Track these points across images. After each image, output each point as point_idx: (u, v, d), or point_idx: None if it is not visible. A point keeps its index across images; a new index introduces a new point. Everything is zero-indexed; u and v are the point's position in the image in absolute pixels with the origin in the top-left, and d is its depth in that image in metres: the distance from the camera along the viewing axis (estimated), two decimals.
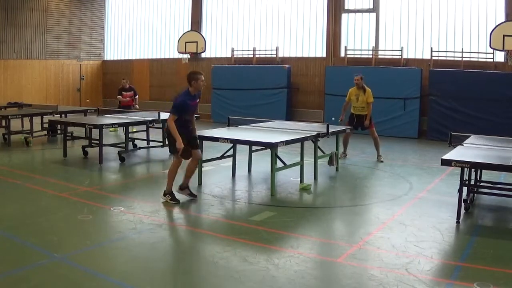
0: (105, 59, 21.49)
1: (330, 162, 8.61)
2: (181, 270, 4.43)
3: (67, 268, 4.29)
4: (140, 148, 10.62)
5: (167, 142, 6.93)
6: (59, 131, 12.14)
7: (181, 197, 6.62)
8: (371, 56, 15.23)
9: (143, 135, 11.11)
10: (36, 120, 11.92)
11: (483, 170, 7.16)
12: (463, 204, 5.95)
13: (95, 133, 9.68)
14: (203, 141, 7.73)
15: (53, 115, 11.89)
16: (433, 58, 14.16)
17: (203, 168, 7.68)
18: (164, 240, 5.01)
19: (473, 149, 6.55)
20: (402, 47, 14.83)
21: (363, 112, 9.80)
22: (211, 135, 7.88)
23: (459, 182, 5.82)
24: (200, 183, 7.54)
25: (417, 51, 14.88)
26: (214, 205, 6.49)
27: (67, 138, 10.25)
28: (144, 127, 11.04)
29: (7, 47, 18.11)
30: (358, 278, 4.24)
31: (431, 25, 14.66)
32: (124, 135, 9.78)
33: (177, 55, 18.75)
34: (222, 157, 8.24)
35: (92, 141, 9.82)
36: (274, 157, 7.11)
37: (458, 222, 5.75)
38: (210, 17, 18.63)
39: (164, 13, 19.84)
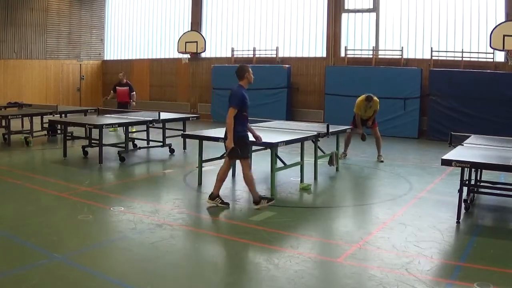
0: (105, 59, 21.49)
1: (330, 162, 8.61)
2: (181, 270, 4.42)
3: (67, 268, 4.29)
4: (140, 148, 10.62)
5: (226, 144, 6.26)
6: (59, 131, 12.14)
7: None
8: (371, 56, 15.23)
9: (143, 135, 11.11)
10: (36, 120, 11.92)
11: (483, 170, 7.16)
12: (463, 204, 5.95)
13: (95, 133, 9.68)
14: (203, 141, 7.74)
15: (53, 115, 11.89)
16: (433, 58, 14.16)
17: (203, 168, 7.67)
18: (164, 240, 5.01)
19: (473, 149, 6.56)
20: (402, 47, 14.83)
21: (368, 118, 10.05)
22: (211, 135, 7.88)
23: (459, 182, 5.82)
24: (200, 183, 7.54)
25: (417, 51, 14.88)
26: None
27: (67, 138, 10.25)
28: (144, 127, 11.03)
29: (7, 47, 18.11)
30: (358, 278, 4.24)
31: (431, 25, 14.66)
32: (122, 135, 9.78)
33: (177, 55, 18.75)
34: (222, 157, 8.22)
35: (92, 141, 9.82)
36: (274, 157, 7.11)
37: (458, 222, 5.75)
38: (210, 17, 18.63)
39: (164, 13, 19.84)
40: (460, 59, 13.85)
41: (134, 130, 11.83)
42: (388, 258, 4.63)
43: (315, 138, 7.92)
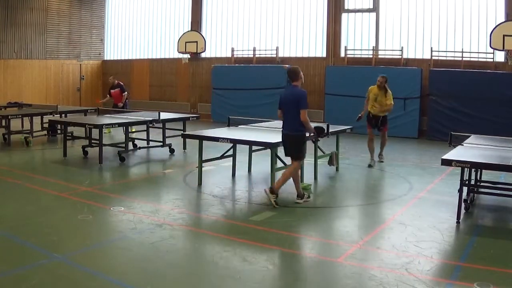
0: (105, 59, 21.49)
1: (330, 162, 8.61)
2: (181, 270, 4.42)
3: (67, 268, 4.29)
4: (140, 148, 10.62)
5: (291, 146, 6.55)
6: (59, 131, 12.14)
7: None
8: (371, 56, 15.23)
9: (143, 135, 11.11)
10: (36, 120, 11.92)
11: (483, 170, 7.16)
12: (463, 204, 5.95)
13: (95, 133, 9.68)
14: (203, 141, 7.74)
15: (53, 115, 11.89)
16: (433, 58, 14.16)
17: (203, 168, 7.68)
18: (164, 240, 5.01)
19: (473, 149, 6.55)
20: (402, 47, 14.83)
21: (381, 113, 9.39)
22: (211, 135, 7.88)
23: (459, 182, 5.83)
24: (200, 183, 7.54)
25: (417, 51, 14.88)
26: (214, 205, 6.49)
27: (67, 138, 10.25)
28: (144, 127, 11.03)
29: (7, 47, 18.11)
30: (358, 278, 4.24)
31: (431, 25, 14.66)
32: (121, 136, 9.78)
33: (177, 55, 18.76)
34: (222, 157, 8.24)
35: (92, 141, 9.82)
36: (274, 157, 7.11)
37: (458, 222, 5.75)
38: (210, 17, 18.63)
39: (164, 13, 19.84)
40: (460, 59, 13.85)
41: (133, 130, 11.83)
42: (388, 258, 4.63)
43: (315, 138, 7.90)
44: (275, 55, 16.89)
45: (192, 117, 11.34)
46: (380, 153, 9.81)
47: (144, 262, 4.46)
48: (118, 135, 12.34)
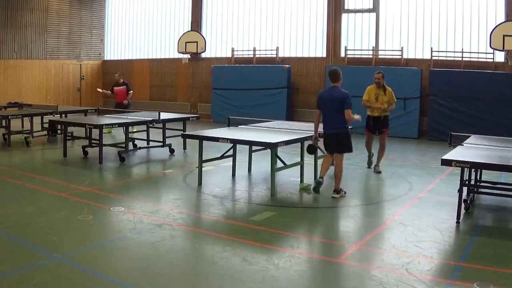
0: (105, 59, 21.49)
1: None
2: (181, 270, 4.43)
3: (67, 268, 4.29)
4: (140, 148, 10.62)
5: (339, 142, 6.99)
6: (59, 131, 12.14)
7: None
8: (371, 56, 15.23)
9: (143, 135, 11.11)
10: (36, 120, 11.92)
11: (483, 170, 7.16)
12: (463, 204, 5.95)
13: (95, 133, 9.68)
14: (203, 141, 7.74)
15: (53, 115, 11.89)
16: (433, 58, 14.16)
17: (203, 168, 7.68)
18: (164, 240, 5.01)
19: (473, 149, 6.55)
20: (402, 47, 14.83)
21: (382, 113, 8.73)
22: (211, 135, 7.88)
23: (459, 182, 5.83)
24: (200, 183, 7.54)
25: (417, 51, 14.88)
26: (214, 205, 6.49)
27: (67, 138, 10.25)
28: (144, 127, 11.04)
29: (7, 47, 18.11)
30: (358, 278, 4.24)
31: (431, 25, 14.66)
32: (121, 136, 9.78)
33: (177, 55, 18.76)
34: (222, 157, 8.24)
35: (92, 141, 9.82)
36: (274, 157, 7.11)
37: (458, 222, 5.75)
38: (210, 17, 18.63)
39: (164, 13, 19.84)
40: (460, 59, 13.85)
41: (135, 130, 11.82)
42: (388, 258, 4.63)
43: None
44: (275, 55, 16.89)
45: (192, 117, 11.34)
46: (377, 163, 8.87)
47: (144, 262, 4.46)
48: (118, 135, 12.35)
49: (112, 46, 21.49)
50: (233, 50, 17.70)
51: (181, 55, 18.47)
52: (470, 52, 13.91)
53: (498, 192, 6.59)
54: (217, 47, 18.50)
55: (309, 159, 7.95)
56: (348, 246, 5.01)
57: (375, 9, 15.42)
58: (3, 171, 8.29)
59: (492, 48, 13.16)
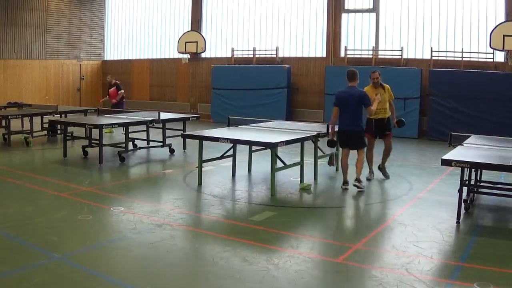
0: (105, 59, 21.49)
1: (330, 162, 8.61)
2: (181, 270, 4.43)
3: (67, 268, 4.29)
4: (140, 148, 10.62)
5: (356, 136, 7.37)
6: (59, 131, 12.14)
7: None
8: (371, 56, 15.23)
9: (143, 135, 11.11)
10: (36, 120, 11.92)
11: (483, 170, 7.16)
12: (463, 204, 5.95)
13: (95, 133, 9.68)
14: (203, 141, 7.74)
15: (53, 115, 11.89)
16: (433, 58, 14.16)
17: (203, 168, 7.68)
18: (164, 240, 5.01)
19: (473, 149, 6.55)
20: (402, 47, 14.83)
21: (385, 115, 8.04)
22: (211, 135, 7.88)
23: (459, 182, 5.82)
24: (200, 183, 7.54)
25: (417, 51, 14.88)
26: (214, 205, 6.49)
27: (67, 138, 10.25)
28: (144, 127, 11.04)
29: (7, 47, 18.11)
30: (358, 278, 4.24)
31: (431, 25, 14.66)
32: (122, 136, 9.78)
33: (177, 55, 18.75)
34: (222, 157, 8.24)
35: (92, 141, 9.82)
36: (274, 157, 7.11)
37: (458, 222, 5.75)
38: (210, 17, 18.63)
39: (164, 13, 19.84)
40: (460, 59, 13.85)
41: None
42: (388, 258, 4.63)
43: (315, 138, 7.91)
44: (275, 55, 16.89)
45: (192, 117, 11.34)
46: (382, 165, 8.22)
47: (144, 262, 4.46)
48: (118, 135, 12.35)
49: (112, 46, 21.49)
50: (233, 50, 17.70)
51: (181, 55, 18.47)
52: (470, 52, 13.91)
53: (498, 192, 6.59)
54: (217, 47, 18.50)
55: (309, 159, 7.95)
56: (348, 246, 5.01)
57: (375, 9, 15.42)
58: (3, 171, 8.29)
59: (492, 48, 13.16)
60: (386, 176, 8.18)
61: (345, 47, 15.69)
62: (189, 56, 18.30)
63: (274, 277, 4.13)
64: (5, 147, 10.83)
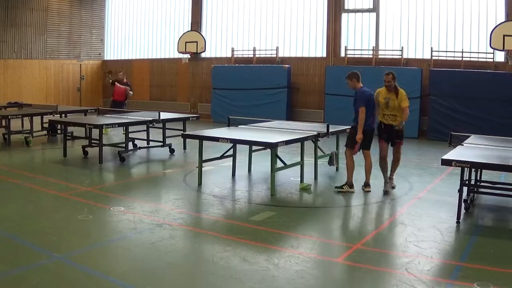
0: (105, 59, 21.49)
1: (330, 162, 8.61)
2: (181, 270, 4.43)
3: (67, 268, 4.29)
4: (140, 148, 10.62)
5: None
6: (59, 131, 12.14)
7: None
8: (371, 56, 15.23)
9: (143, 135, 11.12)
10: (36, 120, 11.92)
11: (483, 170, 7.16)
12: (463, 204, 5.95)
13: (95, 133, 9.68)
14: (203, 141, 7.74)
15: (53, 115, 11.89)
16: (433, 58, 14.16)
17: (203, 168, 7.68)
18: (164, 240, 5.01)
19: (473, 149, 6.56)
20: (402, 47, 14.83)
21: (394, 121, 7.28)
22: (211, 135, 7.88)
23: (459, 182, 5.83)
24: (200, 183, 7.54)
25: (417, 51, 14.88)
26: (214, 205, 6.49)
27: (67, 138, 10.25)
28: (144, 127, 11.04)
29: (7, 47, 18.11)
30: (358, 278, 4.24)
31: (431, 25, 14.66)
32: (121, 135, 9.78)
33: (177, 55, 18.76)
34: (222, 157, 8.24)
35: (92, 141, 9.82)
36: (274, 157, 7.11)
37: (458, 222, 5.75)
38: (210, 17, 18.64)
39: (164, 13, 19.84)
40: (460, 59, 13.85)
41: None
42: (388, 258, 4.63)
43: (315, 138, 7.92)
44: (275, 55, 16.89)
45: (192, 117, 11.34)
46: (391, 175, 7.54)
47: (144, 262, 4.46)
48: (119, 134, 12.34)
49: (112, 46, 21.49)
50: (233, 50, 17.70)
51: (181, 55, 18.48)
52: (470, 52, 13.92)
53: (498, 192, 6.59)
54: (217, 47, 18.50)
55: (309, 159, 7.95)
56: (348, 246, 5.01)
57: (375, 9, 15.42)
58: (3, 171, 8.29)
59: (492, 48, 13.16)
60: (393, 185, 7.51)
61: (345, 47, 15.69)
62: (189, 56, 18.31)
63: (274, 277, 4.13)
64: (5, 147, 10.83)
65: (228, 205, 6.67)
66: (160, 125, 10.41)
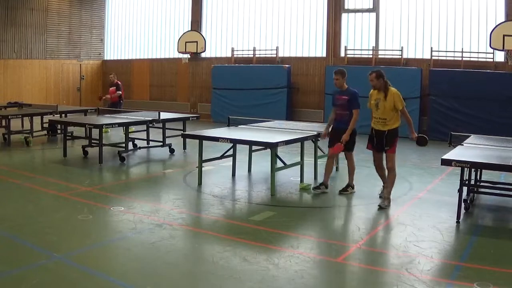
0: (105, 59, 21.49)
1: None
2: (181, 270, 4.43)
3: (67, 268, 4.29)
4: (140, 148, 10.62)
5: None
6: (59, 131, 12.14)
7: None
8: (371, 56, 15.23)
9: (143, 135, 11.12)
10: (36, 120, 11.92)
11: (483, 170, 7.16)
12: (463, 204, 5.95)
13: (95, 133, 9.68)
14: (203, 141, 7.74)
15: (53, 115, 11.89)
16: (433, 58, 14.16)
17: (203, 168, 7.68)
18: (164, 240, 5.01)
19: (473, 149, 6.55)
20: (402, 47, 14.83)
21: (384, 126, 6.59)
22: (211, 135, 7.88)
23: (459, 182, 5.83)
24: (200, 183, 7.54)
25: (417, 51, 14.88)
26: (214, 205, 6.49)
27: (67, 138, 10.25)
28: (144, 127, 11.04)
29: (7, 47, 18.11)
30: (358, 278, 4.24)
31: (431, 25, 14.66)
32: (121, 135, 9.78)
33: (177, 55, 18.75)
34: (222, 157, 8.24)
35: (92, 141, 9.82)
36: (274, 157, 7.11)
37: (458, 222, 5.75)
38: (210, 17, 18.63)
39: (164, 13, 19.84)
40: (460, 59, 13.85)
41: (133, 129, 11.78)
42: (388, 258, 4.63)
43: (315, 138, 7.92)
44: (275, 55, 16.89)
45: (192, 117, 11.34)
46: (383, 191, 6.77)
47: (144, 262, 4.46)
48: (119, 134, 12.34)
49: (112, 46, 21.49)
50: (233, 50, 17.70)
51: (181, 55, 18.47)
52: (470, 52, 13.91)
53: (498, 192, 6.59)
54: (217, 47, 18.50)
55: (309, 159, 7.94)
56: (348, 246, 5.01)
57: (375, 9, 15.42)
58: (3, 171, 8.29)
59: (492, 48, 13.16)
60: (385, 204, 6.44)
61: (345, 47, 15.69)
62: (189, 56, 18.30)
63: (274, 277, 4.13)
64: (5, 147, 10.82)
65: (228, 205, 6.67)
66: (160, 125, 10.41)
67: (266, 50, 17.21)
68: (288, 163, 7.84)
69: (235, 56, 17.67)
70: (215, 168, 8.70)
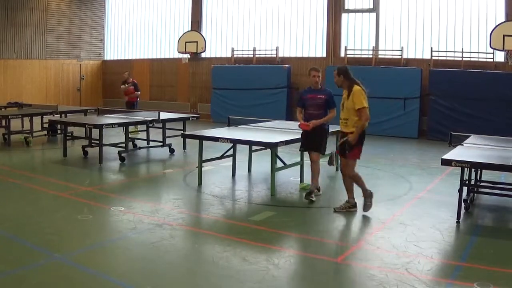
0: (105, 59, 21.49)
1: (330, 162, 8.56)
2: (181, 270, 4.43)
3: (67, 268, 4.29)
4: (140, 148, 10.62)
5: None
6: (59, 131, 12.14)
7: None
8: (371, 56, 15.23)
9: (143, 135, 11.11)
10: (36, 120, 11.92)
11: (483, 170, 7.16)
12: (463, 204, 5.95)
13: (95, 133, 9.68)
14: (203, 141, 7.74)
15: (53, 115, 11.89)
16: (433, 58, 14.16)
17: (203, 168, 7.68)
18: (164, 240, 5.01)
19: (473, 149, 6.55)
20: (402, 47, 14.83)
21: (346, 128, 6.07)
22: (211, 135, 7.88)
23: (459, 182, 5.82)
24: (200, 183, 7.54)
25: (417, 51, 14.88)
26: (214, 205, 6.49)
27: (67, 138, 10.25)
28: (144, 127, 11.03)
29: (7, 47, 18.11)
30: (358, 278, 4.24)
31: (431, 25, 14.66)
32: (122, 136, 9.78)
33: (177, 55, 18.76)
34: (222, 157, 8.24)
35: (92, 141, 9.82)
36: (274, 157, 7.11)
37: (458, 222, 5.75)
38: (210, 17, 18.64)
39: (164, 13, 19.85)
40: (460, 59, 13.85)
41: (137, 129, 11.80)
42: (388, 258, 4.63)
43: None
44: (275, 55, 16.89)
45: (192, 117, 11.34)
46: (364, 201, 6.21)
47: (144, 262, 4.46)
48: (119, 134, 12.34)
49: (112, 46, 21.49)
50: (233, 50, 17.70)
51: (181, 55, 18.47)
52: (470, 52, 13.92)
53: (498, 192, 6.59)
54: (217, 47, 18.50)
55: (308, 159, 7.93)
56: (348, 246, 5.01)
57: (375, 9, 15.42)
58: (3, 171, 8.29)
59: (492, 48, 13.16)
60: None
61: (345, 47, 15.69)
62: (189, 56, 18.30)
63: (274, 277, 4.13)
64: (5, 147, 10.82)
65: (228, 205, 6.67)
66: (160, 125, 10.41)
67: (266, 50, 17.22)
68: (288, 163, 7.84)
69: (235, 56, 17.67)
70: (215, 168, 8.70)
